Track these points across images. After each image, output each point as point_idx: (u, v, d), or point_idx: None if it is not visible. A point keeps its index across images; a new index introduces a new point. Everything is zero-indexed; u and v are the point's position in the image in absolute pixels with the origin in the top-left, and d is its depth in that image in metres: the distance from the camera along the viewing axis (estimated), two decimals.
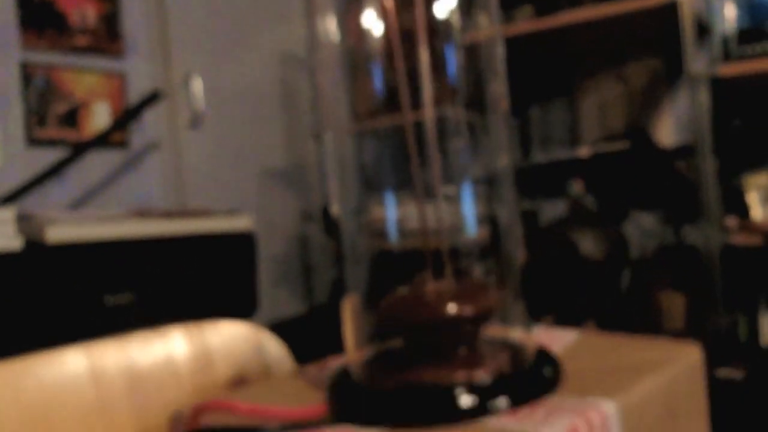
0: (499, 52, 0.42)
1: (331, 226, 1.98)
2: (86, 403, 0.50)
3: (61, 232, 1.04)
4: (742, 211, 1.36)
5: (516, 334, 0.40)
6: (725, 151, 1.40)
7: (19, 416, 0.46)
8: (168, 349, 0.56)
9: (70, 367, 0.50)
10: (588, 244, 1.54)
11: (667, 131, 1.66)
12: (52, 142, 1.64)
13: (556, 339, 0.44)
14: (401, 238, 0.40)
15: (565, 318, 1.43)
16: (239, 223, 1.29)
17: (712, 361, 1.05)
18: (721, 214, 1.34)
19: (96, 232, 1.07)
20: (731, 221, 1.31)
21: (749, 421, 0.92)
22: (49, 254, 1.04)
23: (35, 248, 1.03)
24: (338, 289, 1.99)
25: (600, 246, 1.55)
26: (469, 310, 0.37)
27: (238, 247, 1.32)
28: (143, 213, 1.37)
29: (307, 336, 1.86)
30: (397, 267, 0.41)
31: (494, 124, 0.42)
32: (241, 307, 1.32)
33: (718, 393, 0.95)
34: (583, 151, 1.70)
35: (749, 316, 1.28)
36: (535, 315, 0.40)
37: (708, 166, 1.39)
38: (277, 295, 1.91)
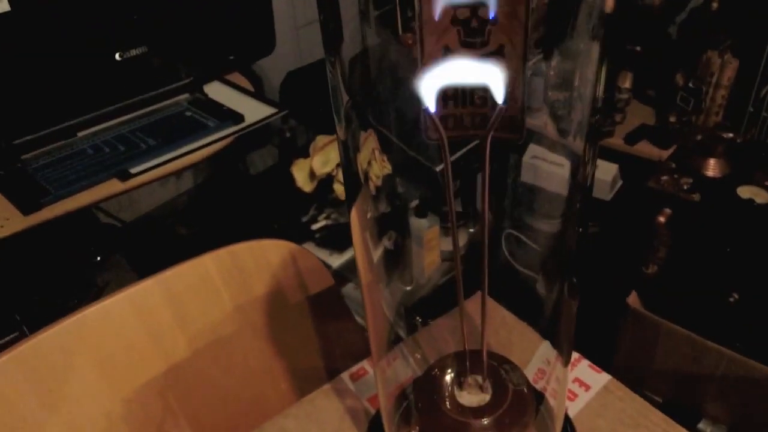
0: None
1: None
2: (141, 344, 0.53)
3: None
4: None
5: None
6: None
7: (95, 363, 0.51)
8: (204, 279, 0.57)
9: (119, 317, 0.53)
10: None
11: None
12: None
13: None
14: None
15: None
16: None
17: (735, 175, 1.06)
18: None
19: None
20: None
21: (705, 240, 0.98)
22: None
23: (25, 4, 0.94)
24: None
25: None
26: None
27: None
28: None
29: None
30: None
31: None
32: (260, 47, 1.25)
33: (682, 214, 0.98)
34: None
35: None
36: None
37: None
38: None
